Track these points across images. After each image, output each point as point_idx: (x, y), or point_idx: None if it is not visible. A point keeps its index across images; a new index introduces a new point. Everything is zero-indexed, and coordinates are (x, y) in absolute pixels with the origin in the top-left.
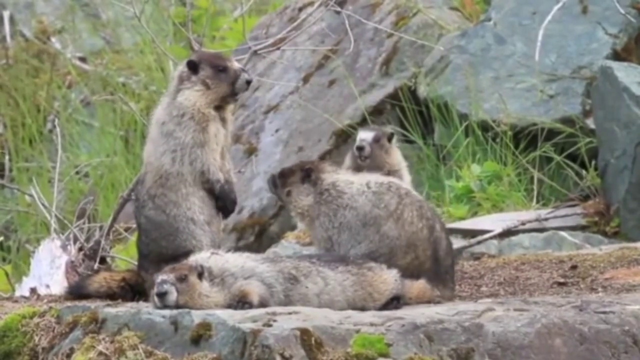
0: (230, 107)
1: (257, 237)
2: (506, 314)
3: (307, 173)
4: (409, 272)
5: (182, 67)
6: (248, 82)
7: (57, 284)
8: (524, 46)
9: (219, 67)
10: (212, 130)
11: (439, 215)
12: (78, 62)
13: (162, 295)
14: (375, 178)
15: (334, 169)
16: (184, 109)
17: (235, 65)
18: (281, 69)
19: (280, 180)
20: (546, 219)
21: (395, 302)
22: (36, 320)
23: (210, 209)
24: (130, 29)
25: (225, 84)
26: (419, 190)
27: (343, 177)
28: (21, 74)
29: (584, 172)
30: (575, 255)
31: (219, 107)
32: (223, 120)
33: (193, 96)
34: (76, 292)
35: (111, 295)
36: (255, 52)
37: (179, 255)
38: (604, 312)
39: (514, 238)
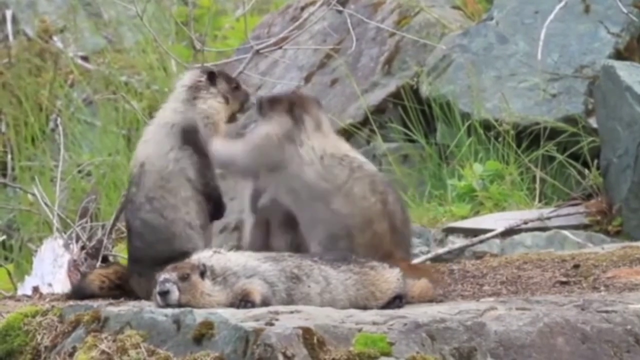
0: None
1: None
2: (508, 313)
3: (291, 106)
4: (372, 249)
5: (196, 77)
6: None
7: (60, 283)
8: (526, 45)
9: (234, 84)
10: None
11: (393, 186)
12: (80, 61)
13: (164, 294)
14: (335, 150)
15: (317, 125)
16: (209, 116)
17: (244, 86)
18: (283, 68)
19: (267, 104)
20: (548, 218)
21: (397, 301)
22: (38, 319)
23: (206, 214)
24: (132, 28)
25: (238, 102)
26: (421, 189)
27: (316, 139)
28: (23, 73)
29: (586, 171)
30: (578, 254)
31: (232, 120)
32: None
33: (216, 106)
34: (80, 294)
35: (114, 288)
36: (257, 52)
37: (174, 259)
38: (607, 311)
39: (516, 237)
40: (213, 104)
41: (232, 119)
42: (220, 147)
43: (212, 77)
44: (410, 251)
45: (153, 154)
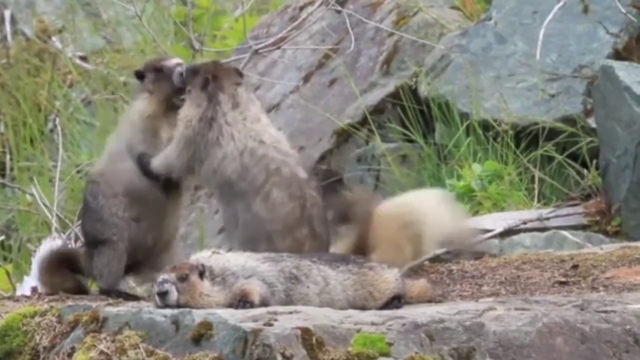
0: None
1: None
2: (507, 313)
3: (205, 82)
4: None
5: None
6: (181, 73)
7: None
8: (525, 45)
9: (157, 68)
10: (164, 136)
11: (312, 188)
12: (79, 61)
13: (162, 294)
14: (255, 144)
15: (234, 102)
16: (135, 122)
17: (172, 62)
18: (282, 68)
19: (189, 76)
20: (547, 218)
21: (396, 301)
22: (37, 319)
23: (140, 206)
24: (131, 28)
25: (166, 83)
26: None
27: (235, 124)
28: (22, 74)
29: (585, 171)
30: (577, 255)
31: (173, 108)
32: None
33: (140, 105)
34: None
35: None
36: (256, 52)
37: (101, 240)
38: (605, 312)
39: (515, 237)
40: (136, 106)
41: (169, 102)
42: (156, 160)
43: (139, 75)
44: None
45: (111, 143)
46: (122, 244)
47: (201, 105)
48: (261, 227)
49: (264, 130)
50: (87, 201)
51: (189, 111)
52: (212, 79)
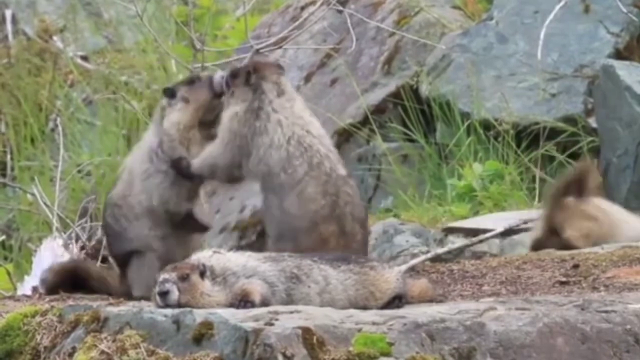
0: None
1: (259, 236)
2: (508, 313)
3: (247, 76)
4: (316, 250)
5: (163, 99)
6: (223, 76)
7: None
8: (526, 45)
9: (192, 80)
10: (193, 151)
11: (350, 184)
12: (80, 61)
13: (163, 294)
14: (302, 131)
15: (279, 90)
16: (169, 133)
17: (204, 73)
18: None
19: (230, 79)
20: None
21: (397, 301)
22: (38, 319)
23: (164, 226)
24: (132, 27)
25: (203, 89)
26: (421, 189)
27: (282, 110)
28: (23, 73)
29: None
30: (577, 254)
31: (209, 125)
32: (211, 138)
33: (175, 116)
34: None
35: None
36: (257, 51)
37: (130, 255)
38: (606, 311)
39: (515, 237)
40: (171, 118)
41: (209, 110)
42: (197, 161)
43: (169, 92)
44: (363, 251)
45: (131, 164)
46: (150, 253)
47: (247, 99)
48: (289, 223)
49: (311, 121)
50: (109, 224)
51: (234, 107)
52: (253, 71)
